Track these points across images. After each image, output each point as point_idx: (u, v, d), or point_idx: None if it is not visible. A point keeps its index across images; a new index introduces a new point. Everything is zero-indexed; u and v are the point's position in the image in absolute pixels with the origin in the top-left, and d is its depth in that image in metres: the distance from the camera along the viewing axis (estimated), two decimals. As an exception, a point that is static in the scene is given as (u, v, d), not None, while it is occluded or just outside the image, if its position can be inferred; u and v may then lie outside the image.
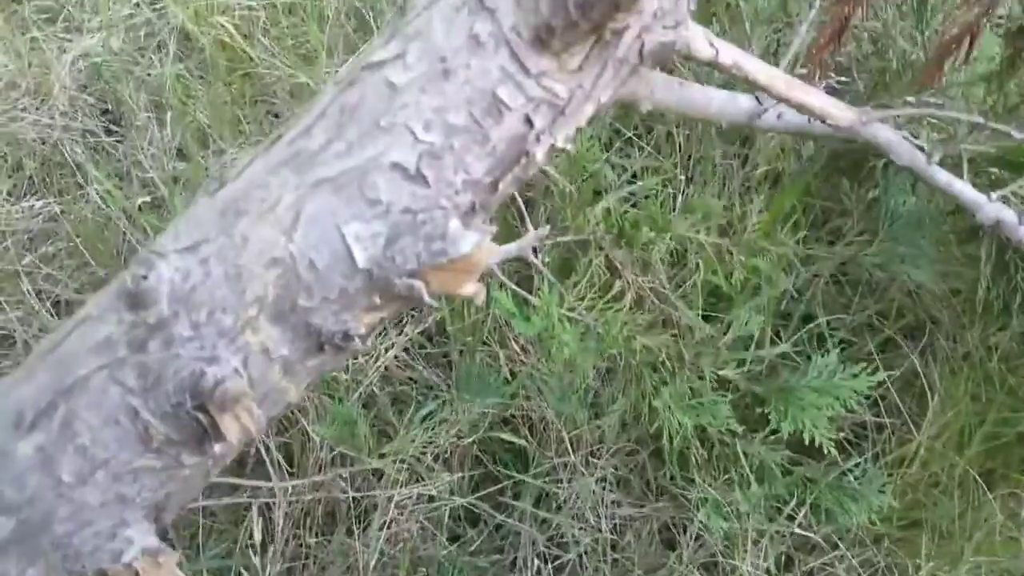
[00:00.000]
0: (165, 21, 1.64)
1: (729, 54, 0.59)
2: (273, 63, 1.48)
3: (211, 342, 0.51)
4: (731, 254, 0.93)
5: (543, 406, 1.12)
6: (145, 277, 0.51)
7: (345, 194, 0.51)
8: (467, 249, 0.51)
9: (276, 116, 1.52)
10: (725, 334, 1.01)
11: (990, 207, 0.74)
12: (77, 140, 1.52)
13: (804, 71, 0.72)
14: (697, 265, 1.03)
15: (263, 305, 0.52)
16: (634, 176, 1.19)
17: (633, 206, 1.10)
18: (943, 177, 0.71)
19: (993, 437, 1.12)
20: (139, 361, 0.51)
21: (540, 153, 0.55)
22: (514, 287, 0.92)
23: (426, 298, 0.52)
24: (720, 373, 0.90)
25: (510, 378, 1.13)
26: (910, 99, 0.65)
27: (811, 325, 1.12)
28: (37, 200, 1.41)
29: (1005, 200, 0.75)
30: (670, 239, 0.92)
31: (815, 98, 0.62)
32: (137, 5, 1.68)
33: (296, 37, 1.52)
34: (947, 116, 0.66)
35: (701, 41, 0.58)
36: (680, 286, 1.07)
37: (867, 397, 0.90)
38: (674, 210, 1.10)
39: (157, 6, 1.66)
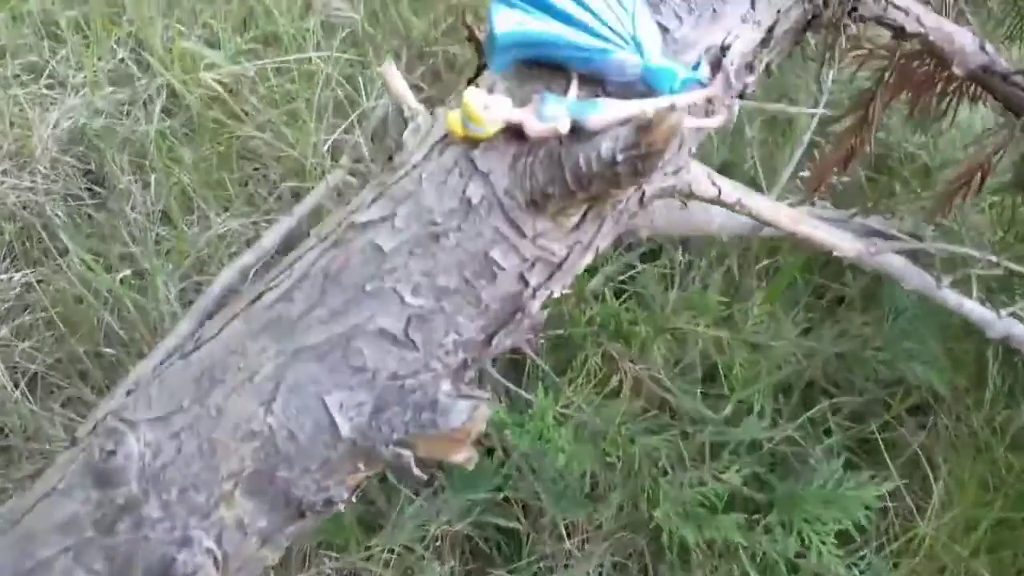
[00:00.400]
0: (151, 76, 1.61)
1: (732, 193, 0.56)
2: (261, 123, 1.45)
3: (182, 521, 0.48)
4: (731, 346, 0.90)
5: (538, 488, 1.08)
6: (113, 452, 0.47)
7: (328, 362, 0.48)
8: (458, 422, 0.48)
9: (264, 177, 1.49)
10: (726, 422, 0.98)
11: (1000, 324, 0.71)
12: (58, 204, 1.48)
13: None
14: (696, 342, 1.00)
15: (239, 479, 0.48)
16: (629, 247, 1.16)
17: (631, 278, 1.07)
18: (953, 299, 0.68)
19: (1002, 524, 1.09)
20: (107, 544, 0.47)
21: (536, 306, 0.52)
22: (508, 384, 0.89)
23: (414, 469, 0.49)
24: (723, 477, 0.87)
25: (504, 456, 1.09)
26: (917, 233, 0.63)
27: (814, 410, 1.09)
28: (15, 271, 1.37)
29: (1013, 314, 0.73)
30: (669, 335, 0.89)
31: (821, 232, 0.59)
32: (122, 61, 1.64)
33: (285, 96, 1.49)
34: (957, 251, 0.64)
35: (703, 181, 0.55)
36: (678, 363, 1.04)
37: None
38: (672, 286, 1.07)
39: (143, 61, 1.63)
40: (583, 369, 0.93)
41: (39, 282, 1.36)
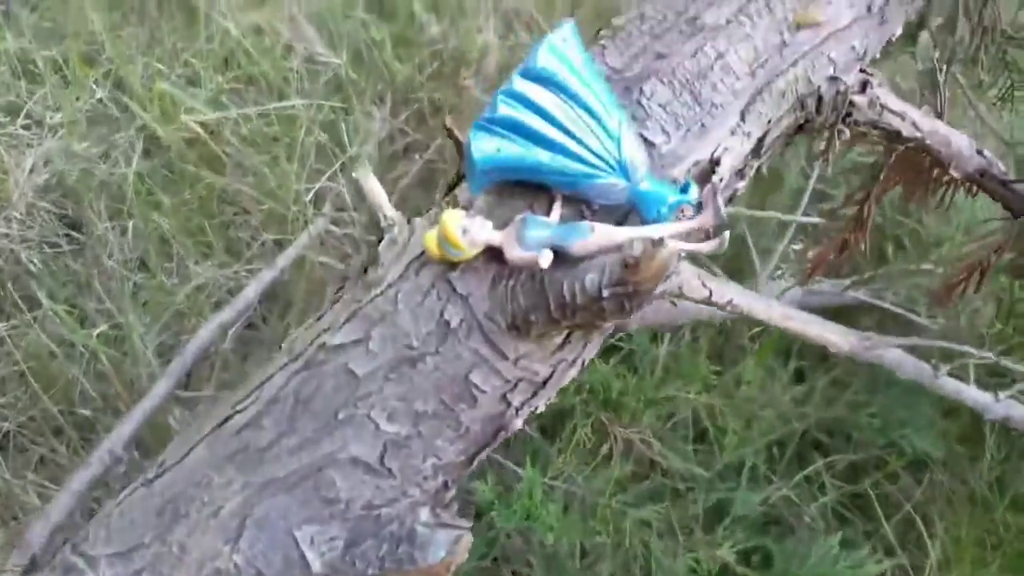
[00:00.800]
0: (130, 117, 1.58)
1: (723, 292, 0.54)
2: (243, 168, 1.42)
3: (144, 666, 0.45)
4: (723, 414, 0.88)
5: (528, 556, 1.06)
6: (69, 592, 0.44)
7: (298, 494, 0.45)
8: (437, 557, 0.45)
9: (245, 223, 1.46)
10: (720, 478, 0.96)
11: (999, 407, 0.69)
12: (35, 251, 1.44)
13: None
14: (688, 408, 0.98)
15: (204, 618, 0.45)
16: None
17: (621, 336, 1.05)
18: (951, 386, 0.66)
19: (1001, 584, 1.07)
20: None
21: (519, 423, 0.49)
22: (496, 456, 0.86)
23: (391, 605, 0.46)
24: (716, 553, 0.84)
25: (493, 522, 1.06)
26: (913, 309, 0.61)
27: (808, 470, 1.07)
28: (-12, 323, 1.33)
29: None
30: (659, 404, 0.86)
31: (814, 327, 0.57)
32: (100, 101, 1.61)
33: (267, 139, 1.46)
34: (955, 349, 0.62)
35: (694, 284, 0.53)
36: (670, 421, 1.01)
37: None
38: (662, 342, 1.04)
39: (122, 102, 1.60)
40: (572, 438, 0.90)
41: (12, 334, 1.32)
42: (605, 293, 0.39)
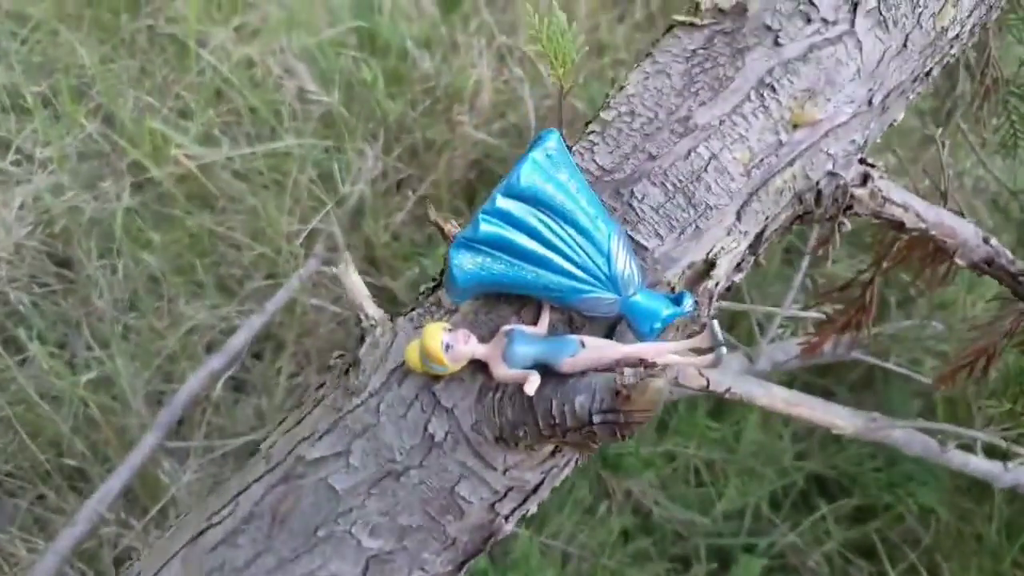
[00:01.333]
0: (120, 152, 1.56)
1: (720, 379, 0.52)
2: (234, 206, 1.40)
3: None
4: (723, 471, 0.86)
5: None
6: None
7: (277, 615, 0.43)
8: None
9: (236, 262, 1.43)
10: (718, 534, 0.93)
11: (1007, 477, 0.67)
12: (23, 290, 1.42)
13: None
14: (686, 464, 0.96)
15: None
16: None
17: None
18: (958, 459, 0.64)
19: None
20: None
21: (509, 528, 0.47)
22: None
23: None
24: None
25: None
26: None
27: (814, 516, 1.04)
28: (-25, 368, 1.31)
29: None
30: (657, 461, 0.84)
31: (818, 411, 0.55)
32: (90, 136, 1.59)
33: (259, 175, 1.44)
34: (961, 434, 0.60)
35: (690, 372, 0.51)
36: (671, 472, 0.99)
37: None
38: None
39: (112, 137, 1.58)
40: (571, 495, 0.88)
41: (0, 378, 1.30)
42: (595, 419, 0.37)
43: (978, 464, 0.66)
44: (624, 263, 0.38)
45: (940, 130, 0.53)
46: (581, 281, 0.39)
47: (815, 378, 1.12)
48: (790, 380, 1.06)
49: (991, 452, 0.71)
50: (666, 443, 0.89)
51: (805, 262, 0.72)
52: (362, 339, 0.46)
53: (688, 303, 0.39)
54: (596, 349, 0.39)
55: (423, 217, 1.45)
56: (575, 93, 1.30)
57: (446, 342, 0.40)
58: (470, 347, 0.40)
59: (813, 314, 0.55)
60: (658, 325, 0.39)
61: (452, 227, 0.48)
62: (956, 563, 1.11)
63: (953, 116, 0.81)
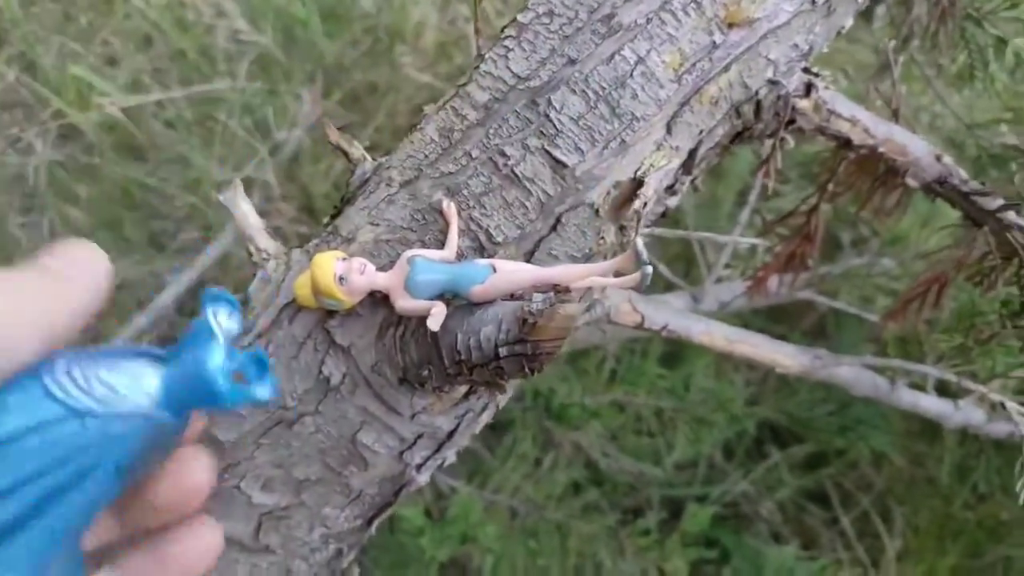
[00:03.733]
0: (42, 104, 1.46)
1: (656, 316, 0.48)
2: (165, 156, 1.32)
3: None
4: (672, 421, 0.83)
5: None
6: None
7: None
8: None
9: (168, 216, 1.36)
10: (671, 483, 0.91)
11: (957, 416, 0.65)
12: (-61, 249, 1.34)
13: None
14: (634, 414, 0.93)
15: None
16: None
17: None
18: (908, 398, 0.61)
19: (957, 571, 1.05)
20: None
21: (425, 478, 0.43)
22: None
23: None
24: (665, 567, 0.80)
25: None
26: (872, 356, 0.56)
27: (766, 463, 1.03)
28: None
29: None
30: (606, 412, 0.81)
31: (761, 349, 0.51)
32: (10, 85, 1.49)
33: (190, 124, 1.36)
34: (911, 370, 0.57)
35: (624, 308, 0.47)
36: (617, 437, 0.96)
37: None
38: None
39: (33, 86, 1.48)
40: (514, 449, 0.85)
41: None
42: (502, 352, 0.33)
43: (928, 402, 0.63)
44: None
45: (892, 42, 0.49)
46: None
47: (769, 324, 1.09)
48: (743, 326, 1.04)
49: (943, 392, 0.68)
50: (614, 392, 0.86)
51: (753, 196, 0.68)
52: (254, 275, 0.41)
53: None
54: (508, 274, 0.34)
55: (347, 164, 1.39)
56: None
57: (339, 273, 0.35)
58: (367, 277, 0.35)
59: (755, 240, 0.51)
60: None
61: (356, 150, 0.43)
62: (908, 507, 1.10)
63: (909, 43, 0.77)
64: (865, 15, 0.95)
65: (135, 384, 0.27)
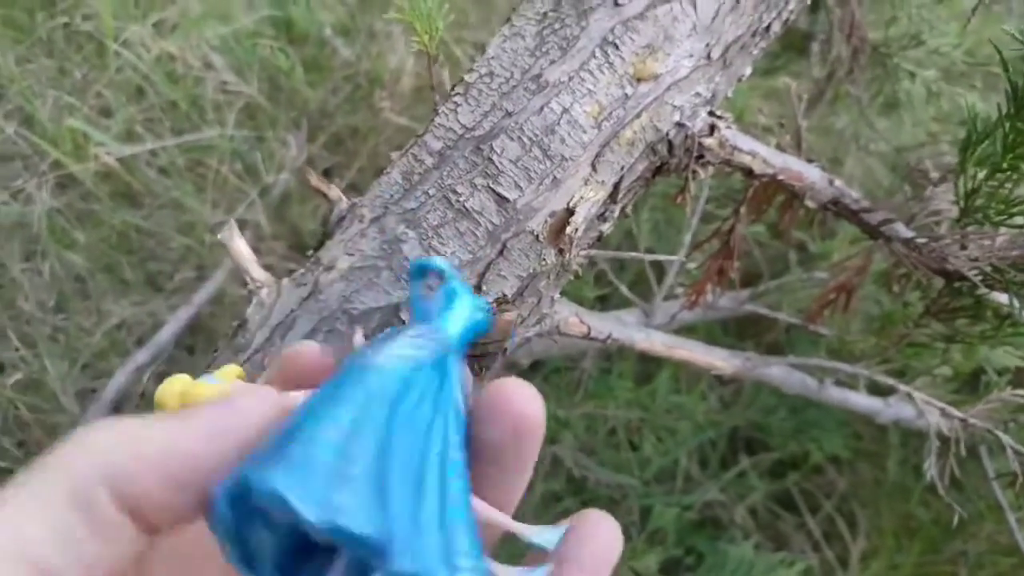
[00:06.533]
0: (41, 154, 1.54)
1: (602, 327, 0.55)
2: (159, 201, 1.40)
3: None
4: (640, 431, 0.90)
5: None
6: None
7: None
8: None
9: (164, 258, 1.43)
10: (646, 491, 0.97)
11: (889, 411, 0.72)
12: (-55, 296, 1.40)
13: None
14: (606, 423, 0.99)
15: None
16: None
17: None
18: (837, 395, 0.68)
19: (921, 568, 1.11)
20: None
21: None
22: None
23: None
24: (634, 566, 0.86)
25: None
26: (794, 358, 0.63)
27: (734, 470, 1.09)
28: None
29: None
30: (575, 423, 0.87)
31: (698, 354, 0.58)
32: (9, 138, 1.56)
33: (182, 171, 1.44)
34: (839, 368, 0.64)
35: (571, 321, 0.54)
36: (591, 436, 1.03)
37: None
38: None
39: (31, 139, 1.56)
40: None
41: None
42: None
43: (857, 400, 0.70)
44: None
45: (794, 84, 0.57)
46: None
47: (736, 341, 1.17)
48: (710, 341, 1.11)
49: (877, 391, 0.75)
50: (586, 406, 0.92)
51: (695, 218, 0.76)
52: (250, 301, 0.48)
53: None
54: None
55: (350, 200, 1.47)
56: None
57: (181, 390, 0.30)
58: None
59: (673, 258, 0.58)
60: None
61: (334, 191, 0.50)
62: (871, 508, 1.17)
63: (833, 79, 0.85)
64: (802, 51, 1.04)
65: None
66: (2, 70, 1.56)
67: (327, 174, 1.45)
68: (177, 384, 0.29)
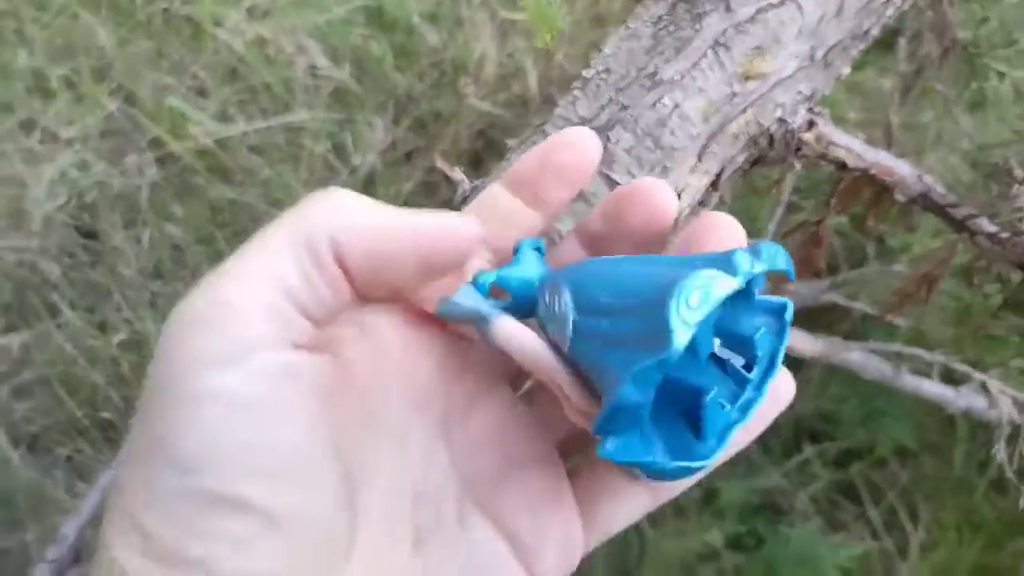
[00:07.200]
0: (142, 131, 1.63)
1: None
2: (252, 178, 1.48)
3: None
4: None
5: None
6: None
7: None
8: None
9: (255, 229, 1.51)
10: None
11: (960, 401, 0.74)
12: (52, 261, 1.51)
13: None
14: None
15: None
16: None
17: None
18: (912, 382, 0.71)
19: (980, 567, 1.12)
20: None
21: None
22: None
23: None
24: (706, 538, 0.90)
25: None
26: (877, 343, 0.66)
27: (798, 457, 1.12)
28: (13, 331, 1.40)
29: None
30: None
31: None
32: (112, 115, 1.66)
33: (274, 148, 1.52)
34: (916, 356, 0.67)
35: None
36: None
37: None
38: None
39: (133, 115, 1.65)
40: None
41: (36, 341, 1.39)
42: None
43: (931, 387, 0.72)
44: None
45: (888, 83, 0.60)
46: None
47: (809, 329, 1.19)
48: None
49: (950, 383, 0.78)
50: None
51: (780, 211, 0.79)
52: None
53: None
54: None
55: (431, 184, 1.53)
56: (577, 61, 1.37)
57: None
58: None
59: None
60: None
61: (456, 174, 0.56)
62: (934, 501, 1.18)
63: (921, 76, 0.87)
64: (889, 47, 1.05)
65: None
66: (107, 49, 1.66)
67: (409, 156, 1.51)
68: None
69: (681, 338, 0.23)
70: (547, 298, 0.30)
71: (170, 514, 0.25)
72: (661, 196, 0.32)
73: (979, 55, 0.81)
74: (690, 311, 0.23)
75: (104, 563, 0.25)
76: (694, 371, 0.28)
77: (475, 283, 0.31)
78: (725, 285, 0.24)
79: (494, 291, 0.31)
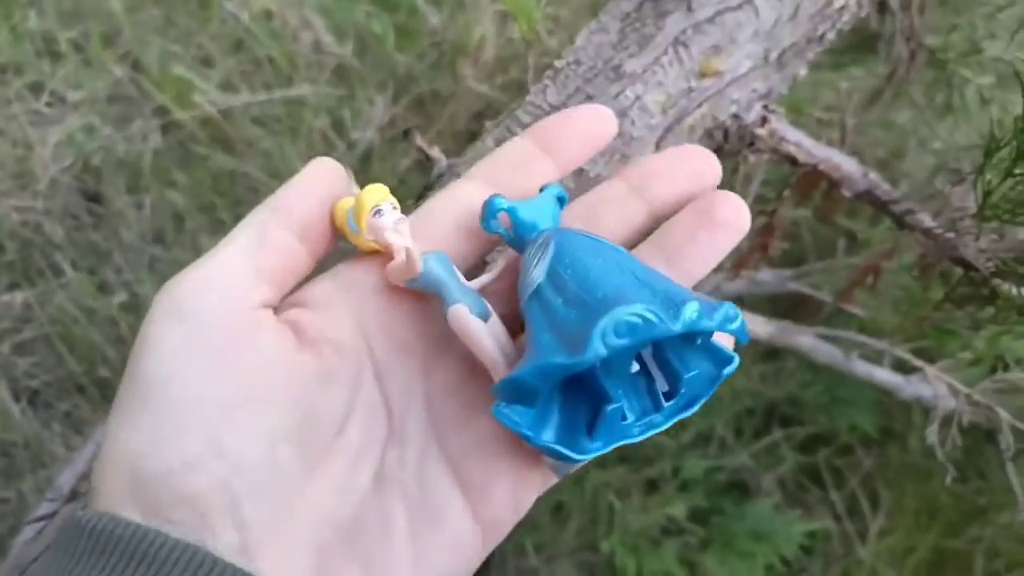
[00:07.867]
0: (148, 97, 1.67)
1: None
2: (253, 148, 1.52)
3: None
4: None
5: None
6: None
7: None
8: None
9: (255, 201, 1.55)
10: (682, 451, 1.06)
11: (909, 388, 0.78)
12: (57, 222, 1.55)
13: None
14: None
15: None
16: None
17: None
18: (862, 369, 0.75)
19: (937, 551, 1.17)
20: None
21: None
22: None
23: None
24: (668, 512, 0.95)
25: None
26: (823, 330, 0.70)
27: (765, 440, 1.17)
28: (16, 289, 1.45)
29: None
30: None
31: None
32: (119, 81, 1.70)
33: (276, 120, 1.56)
34: (866, 343, 0.71)
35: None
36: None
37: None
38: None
39: (140, 82, 1.69)
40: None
41: (38, 300, 1.44)
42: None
43: (880, 374, 0.76)
44: None
45: (846, 84, 0.63)
46: None
47: (782, 317, 1.23)
48: (763, 314, 1.19)
49: (903, 372, 0.82)
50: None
51: (749, 199, 0.83)
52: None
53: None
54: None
55: (427, 163, 1.57)
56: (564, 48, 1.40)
57: (380, 207, 0.34)
58: (391, 235, 0.33)
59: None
60: None
61: (434, 152, 0.60)
62: (895, 489, 1.23)
63: (893, 79, 0.91)
64: (872, 50, 1.09)
65: None
66: (117, 15, 1.70)
67: (406, 134, 1.55)
68: (375, 194, 0.35)
69: (594, 355, 0.25)
70: (534, 249, 0.33)
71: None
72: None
73: (947, 61, 0.84)
74: (614, 338, 0.25)
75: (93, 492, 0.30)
76: (617, 379, 0.31)
77: (490, 203, 0.34)
78: (656, 329, 0.26)
79: (502, 217, 0.35)
